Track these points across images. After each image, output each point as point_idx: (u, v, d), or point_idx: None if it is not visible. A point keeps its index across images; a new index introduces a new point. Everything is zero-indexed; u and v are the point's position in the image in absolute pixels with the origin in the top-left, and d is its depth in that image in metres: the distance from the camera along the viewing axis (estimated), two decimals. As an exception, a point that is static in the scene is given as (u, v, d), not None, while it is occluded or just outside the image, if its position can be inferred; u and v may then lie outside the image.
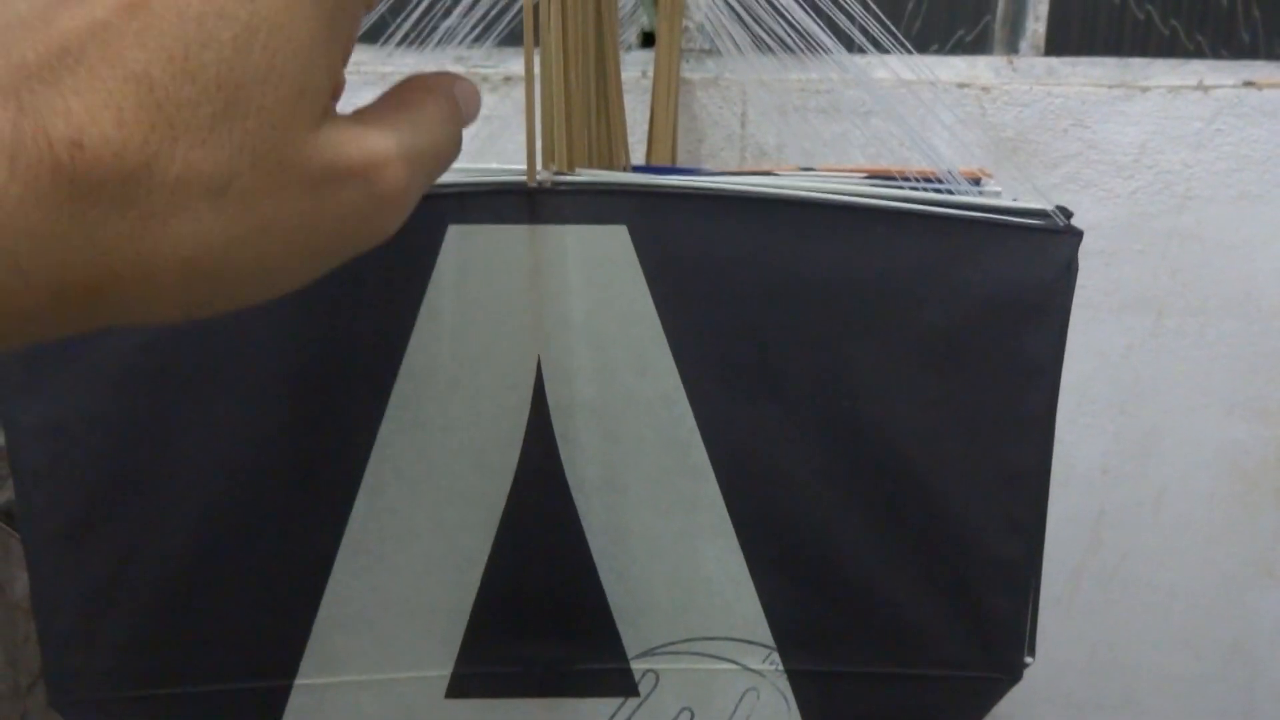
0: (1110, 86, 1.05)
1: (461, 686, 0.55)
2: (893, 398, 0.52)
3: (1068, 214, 0.53)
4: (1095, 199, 1.09)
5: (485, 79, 1.04)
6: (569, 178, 0.53)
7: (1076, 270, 0.52)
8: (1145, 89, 1.05)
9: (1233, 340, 1.09)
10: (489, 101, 1.02)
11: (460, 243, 0.51)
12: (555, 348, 0.52)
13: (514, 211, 0.51)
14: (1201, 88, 1.04)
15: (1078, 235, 0.51)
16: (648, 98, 0.90)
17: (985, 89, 1.06)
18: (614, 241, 0.51)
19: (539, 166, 0.54)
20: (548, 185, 0.52)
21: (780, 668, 0.54)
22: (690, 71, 1.05)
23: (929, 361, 0.52)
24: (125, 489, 0.54)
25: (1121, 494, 1.14)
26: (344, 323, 0.52)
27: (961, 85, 1.06)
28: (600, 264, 0.51)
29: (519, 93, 1.00)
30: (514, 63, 1.02)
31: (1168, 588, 1.15)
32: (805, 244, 0.51)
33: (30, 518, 0.54)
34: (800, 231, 0.51)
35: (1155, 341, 1.11)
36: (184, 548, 0.54)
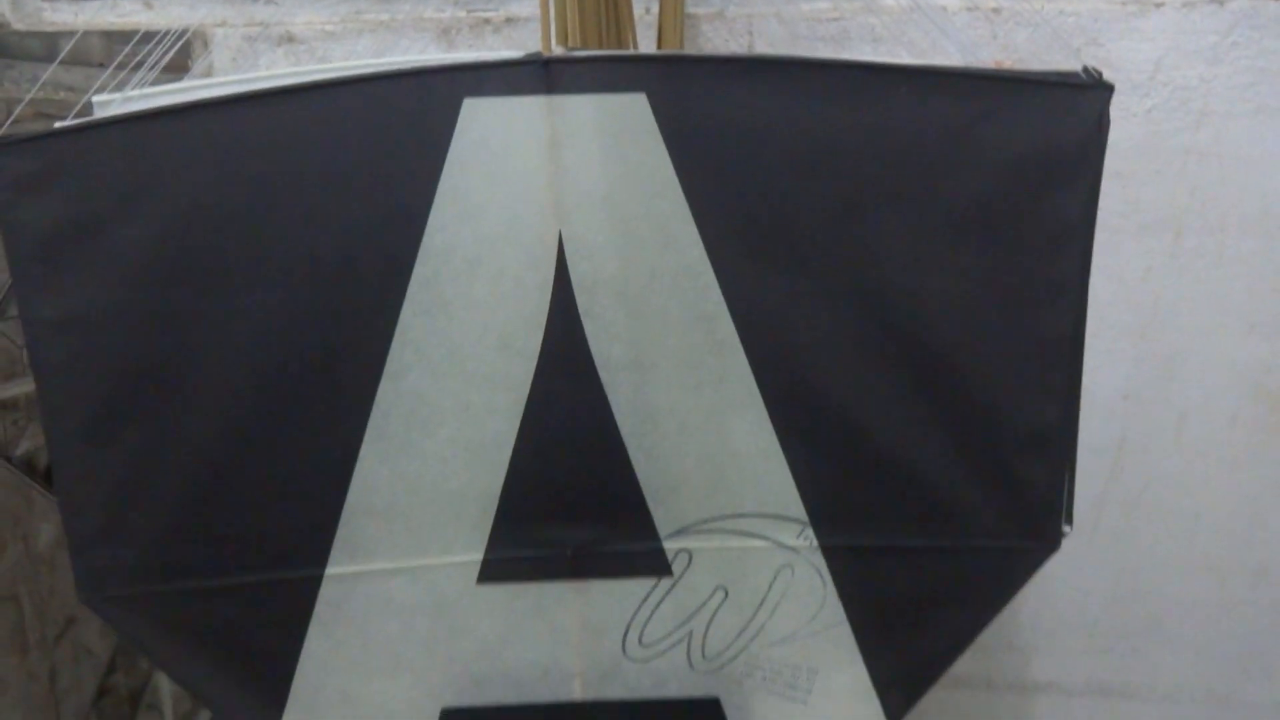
0: (1123, 3, 1.03)
1: (493, 571, 0.55)
2: (922, 265, 0.51)
3: (1096, 72, 0.52)
4: (1112, 118, 1.07)
5: (487, 21, 1.04)
6: (585, 51, 0.52)
7: (1108, 127, 0.51)
8: (1159, 4, 1.03)
9: (1252, 258, 1.08)
10: (492, 43, 1.01)
11: (476, 117, 0.50)
12: (577, 222, 0.51)
13: (530, 82, 0.50)
14: (1217, 0, 1.03)
15: (1109, 89, 0.50)
16: (653, 34, 0.89)
17: (995, 10, 1.05)
18: (633, 110, 0.50)
19: (553, 44, 0.53)
20: (563, 56, 0.51)
21: (815, 544, 0.54)
22: (695, 6, 1.04)
23: (958, 227, 0.51)
24: (146, 383, 0.53)
25: (1143, 420, 1.13)
26: (361, 206, 0.52)
27: (970, 9, 1.05)
28: (620, 134, 0.51)
29: (520, 33, 0.99)
30: (516, 4, 1.02)
31: (1191, 513, 1.14)
32: (830, 109, 0.50)
33: (51, 415, 0.54)
34: (825, 96, 0.50)
35: (1174, 262, 1.09)
36: (207, 440, 0.54)
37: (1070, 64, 1.06)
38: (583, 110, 0.50)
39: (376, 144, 0.49)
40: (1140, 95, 1.07)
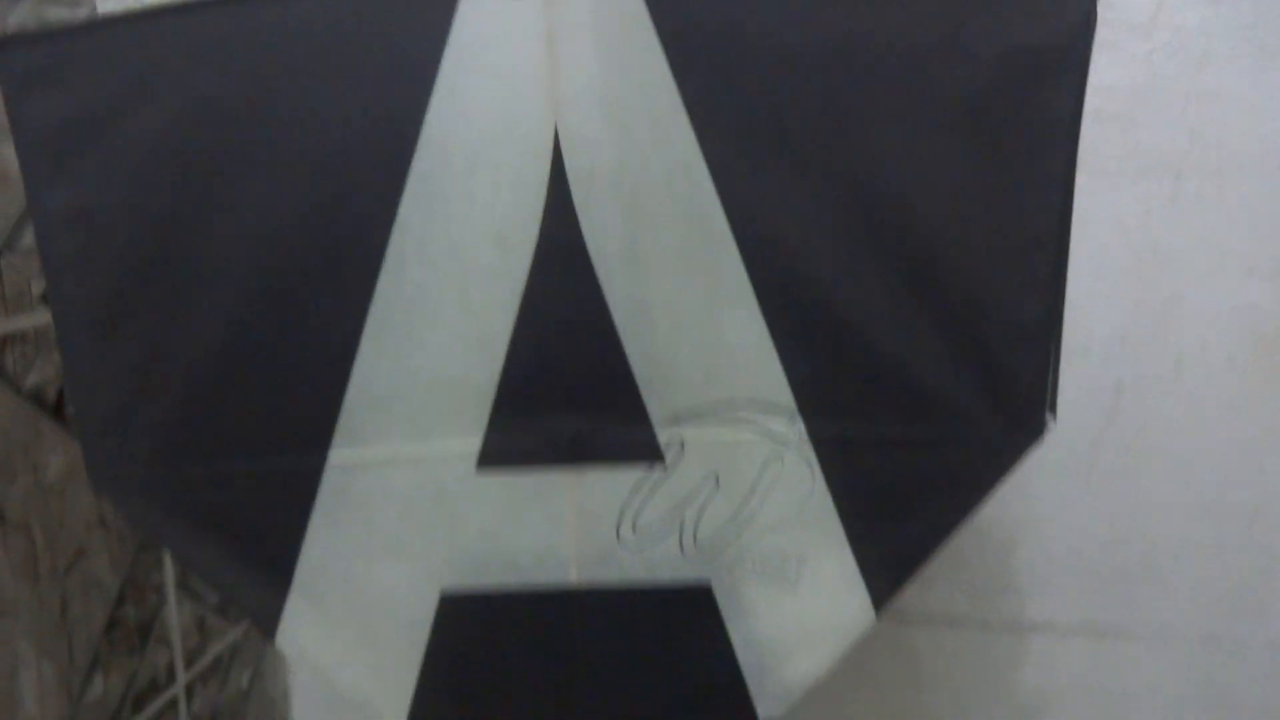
0: (1125, -56, 1.03)
1: (490, 459, 0.56)
2: (910, 160, 0.53)
3: (1083, -31, 0.53)
4: (1111, 61, 1.08)
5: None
6: (581, -52, 0.53)
7: (1095, 22, 0.52)
8: (1161, -58, 1.03)
9: (1252, 201, 1.08)
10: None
11: (473, 12, 0.52)
12: (572, 117, 0.53)
13: None
14: (1219, -60, 1.03)
15: (1096, -14, 0.51)
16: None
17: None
18: (629, 7, 0.52)
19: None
20: (561, -48, 0.52)
21: (804, 434, 0.55)
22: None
23: (947, 124, 0.52)
24: (153, 275, 0.55)
25: (1140, 363, 1.14)
26: (361, 100, 0.53)
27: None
28: (616, 31, 0.52)
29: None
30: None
31: (1187, 456, 1.15)
32: (823, 8, 0.51)
33: (62, 306, 0.56)
34: None
35: (1174, 206, 1.10)
36: (213, 331, 0.56)
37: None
38: (579, 6, 0.51)
39: (375, 41, 0.50)
40: (1141, 38, 1.07)
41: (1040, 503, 1.17)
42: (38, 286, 0.86)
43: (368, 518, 0.56)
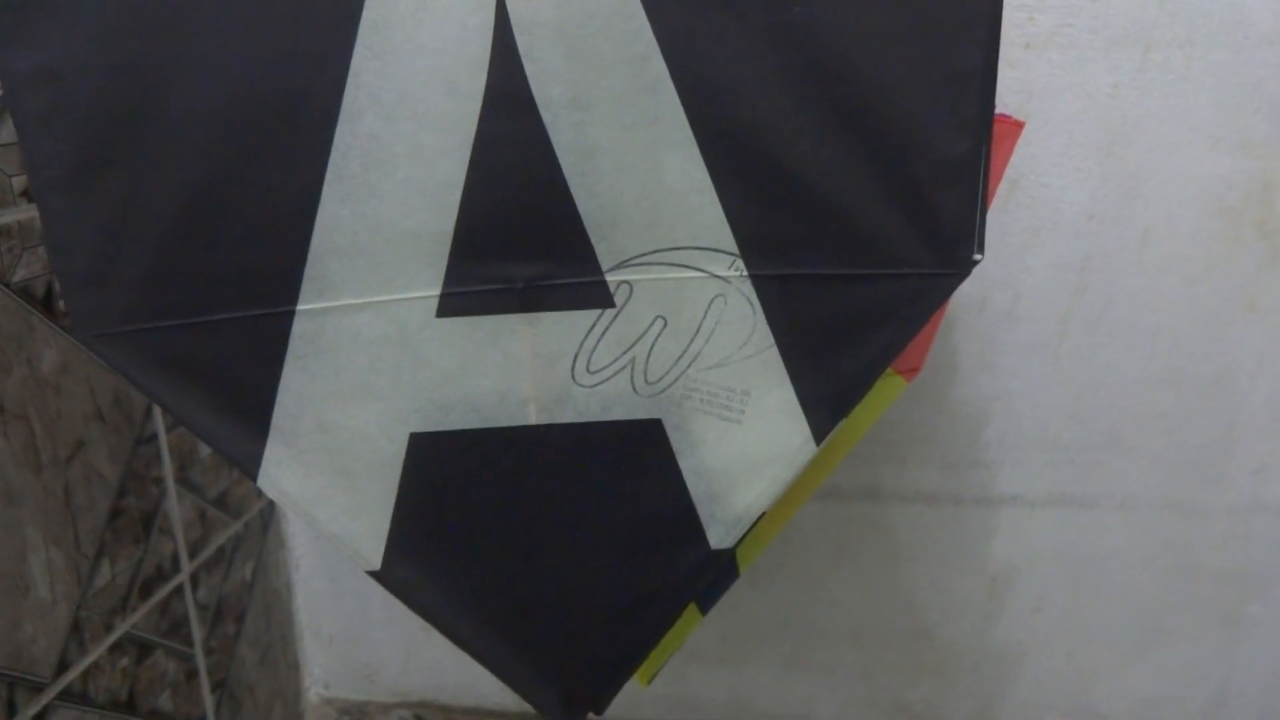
0: None
1: (450, 305, 0.59)
2: (844, 2, 0.54)
3: None
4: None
5: None
6: None
7: None
8: None
9: (1220, 71, 1.09)
10: None
11: None
12: (515, -35, 0.54)
13: None
14: None
15: None
16: None
17: None
18: None
19: None
20: None
21: (745, 273, 0.58)
22: None
23: (877, -38, 0.54)
24: (121, 131, 0.57)
25: (1107, 238, 1.16)
26: None
27: None
28: (553, -124, 0.53)
29: None
30: None
31: (1152, 328, 1.18)
32: None
33: (35, 165, 0.58)
34: None
35: (1142, 77, 1.10)
36: (181, 185, 0.58)
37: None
38: None
39: None
40: (1111, -95, 1.06)
41: (1009, 378, 1.20)
42: (19, 183, 0.87)
43: (337, 364, 0.59)
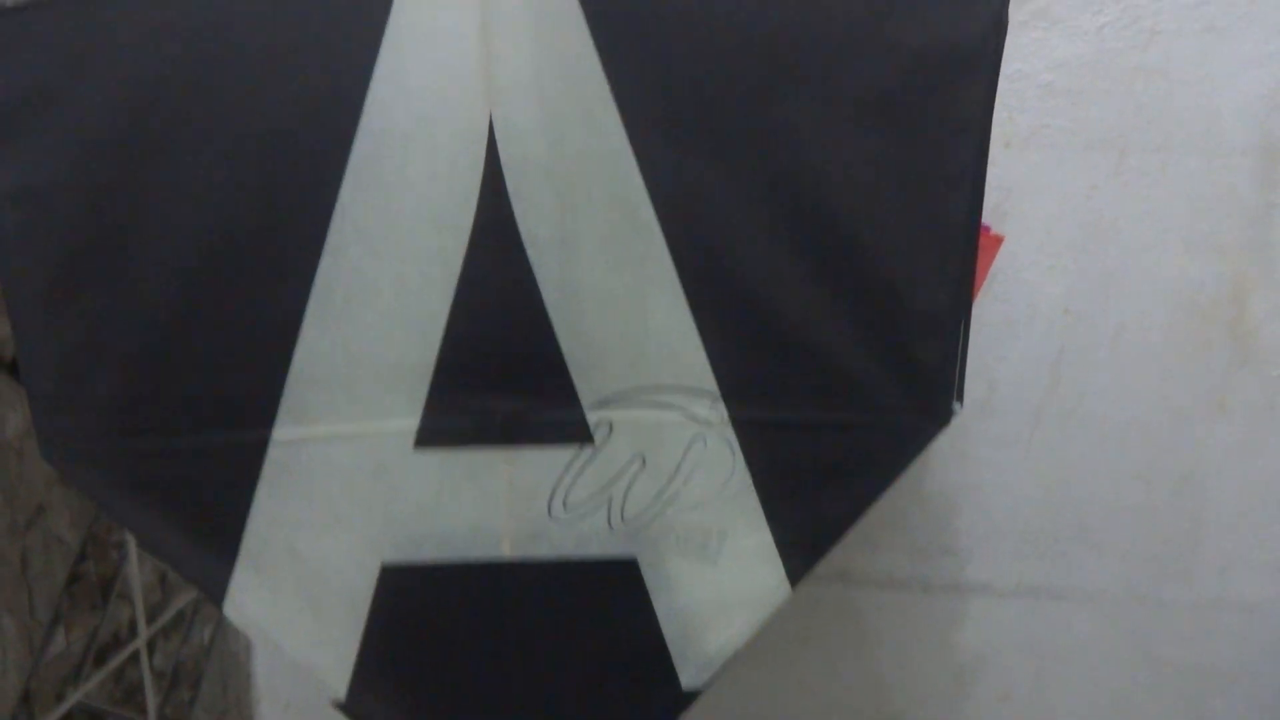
0: (1077, -81, 1.04)
1: (428, 437, 0.59)
2: (829, 152, 0.55)
3: (999, -28, 0.54)
4: (1063, 36, 1.09)
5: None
6: (515, -61, 0.54)
7: (1006, 26, 0.54)
8: (1113, -80, 1.04)
9: (1193, 177, 1.11)
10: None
11: (411, 2, 0.53)
12: (506, 106, 0.54)
13: None
14: (1169, -82, 1.04)
15: (1007, -11, 0.53)
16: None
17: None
18: (561, 0, 0.53)
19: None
20: (494, -56, 0.53)
21: (725, 417, 0.58)
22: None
23: (863, 115, 0.54)
24: (99, 251, 0.56)
25: (1081, 333, 1.17)
26: (302, 86, 0.54)
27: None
28: (548, 21, 0.53)
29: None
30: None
31: (1123, 423, 1.19)
32: (746, 2, 0.53)
33: (10, 282, 0.57)
34: None
35: (1118, 180, 1.12)
36: (159, 306, 0.57)
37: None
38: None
39: (317, 26, 0.52)
40: (1092, 13, 1.08)
41: (981, 468, 1.21)
42: None
43: (310, 492, 0.58)
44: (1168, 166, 1.10)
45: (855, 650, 1.28)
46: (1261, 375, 1.13)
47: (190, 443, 0.57)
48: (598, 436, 0.57)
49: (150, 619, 1.14)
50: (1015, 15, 1.06)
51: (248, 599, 0.59)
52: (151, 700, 1.15)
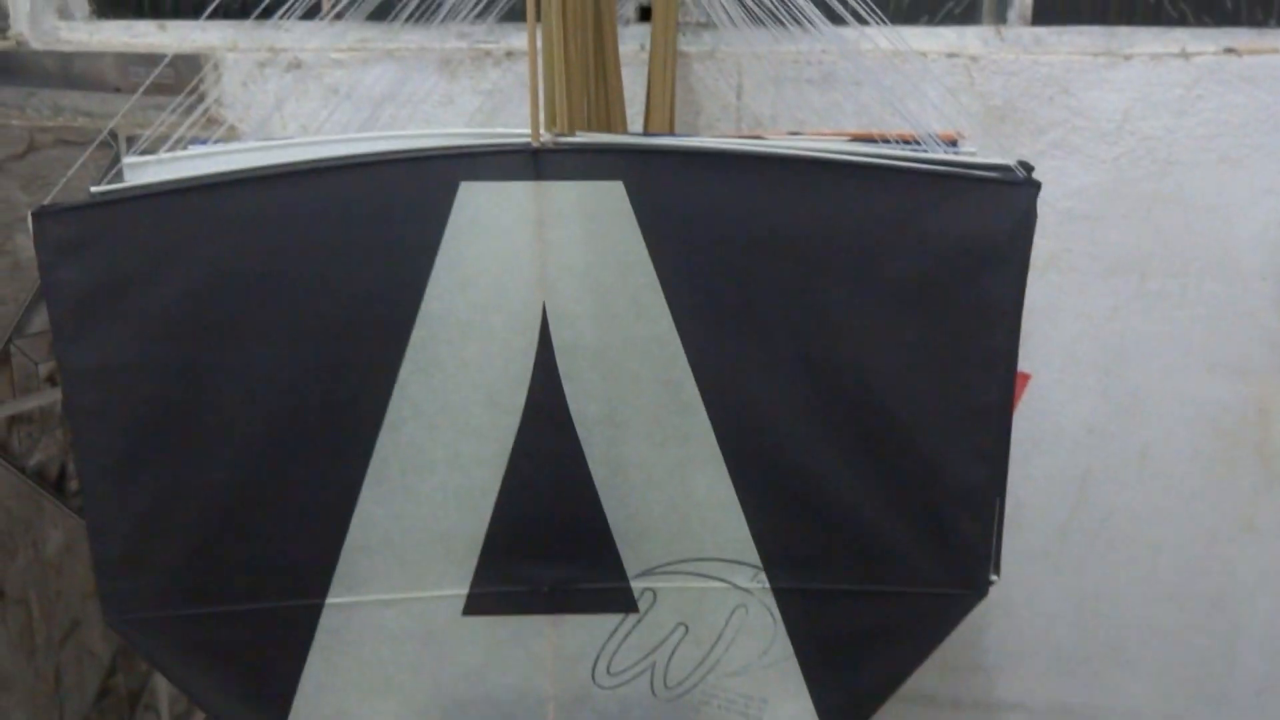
0: (1095, 55, 1.08)
1: (477, 604, 0.61)
2: (867, 339, 0.57)
3: (1028, 168, 0.57)
4: (1081, 164, 1.12)
5: (488, 54, 1.08)
6: (569, 139, 0.58)
7: (1035, 219, 0.57)
8: (1128, 56, 1.08)
9: (1213, 301, 1.12)
10: (492, 76, 1.06)
11: (471, 199, 0.56)
12: (559, 294, 0.57)
13: (520, 169, 0.56)
14: (1184, 55, 1.07)
15: (1035, 186, 0.56)
16: (645, 70, 0.93)
17: (974, 58, 1.09)
18: (611, 196, 0.56)
19: (542, 130, 0.59)
20: (550, 145, 0.57)
21: (767, 585, 0.60)
22: (687, 45, 1.08)
23: (900, 305, 0.57)
24: (169, 427, 0.59)
25: (1107, 452, 1.18)
26: (367, 275, 0.58)
27: (951, 55, 1.09)
28: (599, 217, 0.57)
29: (520, 67, 1.04)
30: (515, 38, 1.06)
31: (1152, 542, 1.19)
32: (786, 198, 0.56)
33: (83, 454, 0.60)
34: (781, 186, 0.56)
35: (1139, 303, 1.14)
36: (223, 480, 0.60)
37: (1043, 112, 1.10)
38: (567, 195, 0.55)
39: (382, 220, 0.55)
40: (1109, 143, 1.11)
41: (1011, 585, 1.20)
42: (45, 369, 0.89)
43: (361, 655, 0.60)
44: (1188, 290, 1.12)
45: (885, 769, 1.26)
46: (1289, 498, 1.13)
47: (248, 609, 0.59)
48: (642, 604, 0.59)
49: (176, 728, 1.14)
50: (1033, 146, 1.10)
51: (298, 760, 0.61)
52: (176, 811, 1.15)
